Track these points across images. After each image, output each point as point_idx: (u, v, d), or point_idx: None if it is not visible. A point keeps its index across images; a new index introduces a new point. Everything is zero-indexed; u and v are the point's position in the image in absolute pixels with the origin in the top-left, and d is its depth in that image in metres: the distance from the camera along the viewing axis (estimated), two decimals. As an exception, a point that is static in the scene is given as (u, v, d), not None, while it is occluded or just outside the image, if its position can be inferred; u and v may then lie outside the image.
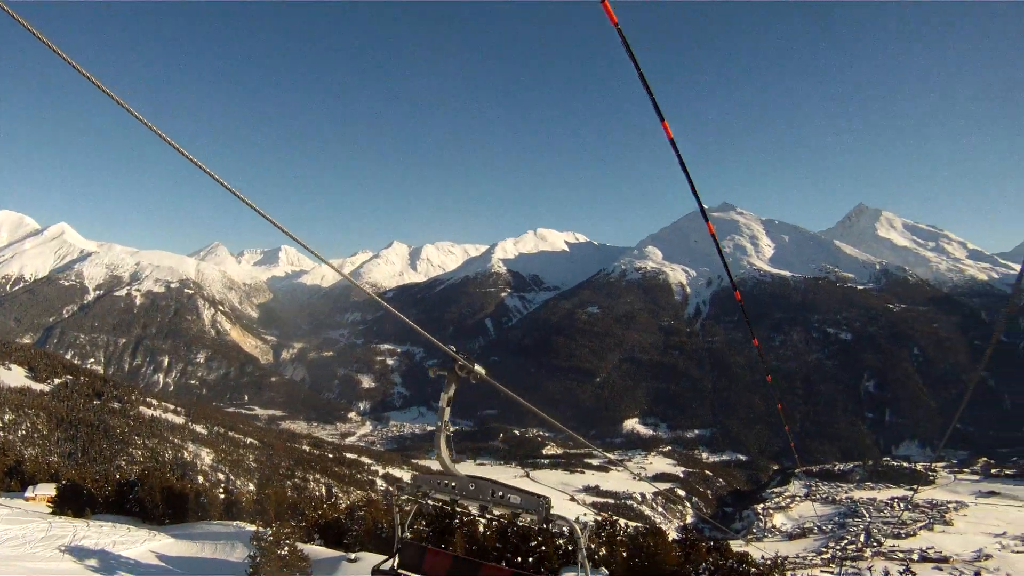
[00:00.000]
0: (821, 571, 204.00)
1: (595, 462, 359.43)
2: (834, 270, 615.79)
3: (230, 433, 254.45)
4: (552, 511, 13.04)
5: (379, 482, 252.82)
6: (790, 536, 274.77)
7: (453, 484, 13.33)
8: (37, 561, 37.23)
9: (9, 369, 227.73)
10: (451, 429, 13.18)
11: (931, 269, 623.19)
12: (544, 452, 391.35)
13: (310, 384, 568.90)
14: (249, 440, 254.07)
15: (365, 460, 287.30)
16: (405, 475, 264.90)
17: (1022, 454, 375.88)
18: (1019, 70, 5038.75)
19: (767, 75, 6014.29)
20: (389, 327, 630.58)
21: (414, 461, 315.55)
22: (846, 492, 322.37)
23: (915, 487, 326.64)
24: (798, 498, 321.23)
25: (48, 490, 68.71)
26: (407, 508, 16.12)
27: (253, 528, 44.01)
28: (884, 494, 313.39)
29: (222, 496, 69.68)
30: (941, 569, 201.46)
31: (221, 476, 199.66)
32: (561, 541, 49.28)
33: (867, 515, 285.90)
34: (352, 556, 43.30)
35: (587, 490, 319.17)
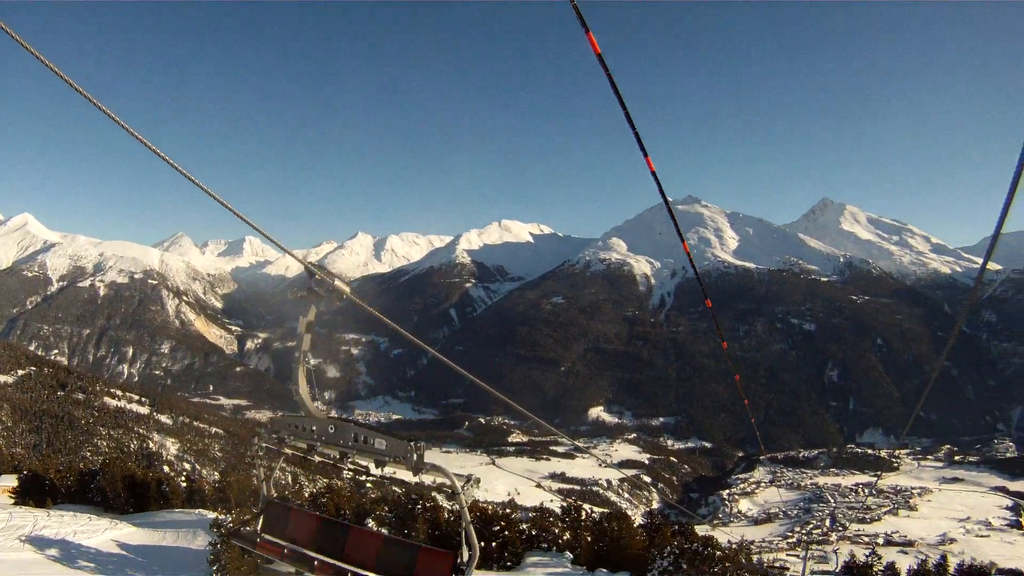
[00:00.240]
0: (787, 555, 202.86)
1: (561, 449, 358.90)
2: (798, 262, 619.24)
3: (195, 423, 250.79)
4: (426, 459, 11.19)
5: (346, 471, 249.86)
6: (756, 521, 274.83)
7: (313, 428, 12.16)
8: (-4, 551, 37.02)
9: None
10: (312, 361, 12.83)
11: (895, 262, 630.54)
12: (510, 440, 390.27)
13: (275, 374, 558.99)
14: (214, 430, 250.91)
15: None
16: (371, 464, 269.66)
17: (984, 441, 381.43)
18: (982, 66, 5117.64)
19: (733, 70, 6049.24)
20: (354, 317, 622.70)
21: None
22: (811, 478, 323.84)
23: (879, 473, 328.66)
24: (763, 484, 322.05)
25: (9, 481, 66.09)
26: (272, 463, 15.24)
27: (214, 516, 42.70)
28: (849, 480, 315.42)
29: (184, 484, 67.55)
30: (906, 553, 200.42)
31: (187, 466, 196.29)
32: (525, 526, 50.63)
33: (832, 500, 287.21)
34: None
35: (553, 477, 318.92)
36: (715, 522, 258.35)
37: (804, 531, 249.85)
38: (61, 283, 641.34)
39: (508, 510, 54.33)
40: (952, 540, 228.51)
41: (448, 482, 11.18)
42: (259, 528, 14.11)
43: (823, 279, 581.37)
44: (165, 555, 41.85)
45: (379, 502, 54.59)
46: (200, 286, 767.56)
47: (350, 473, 12.88)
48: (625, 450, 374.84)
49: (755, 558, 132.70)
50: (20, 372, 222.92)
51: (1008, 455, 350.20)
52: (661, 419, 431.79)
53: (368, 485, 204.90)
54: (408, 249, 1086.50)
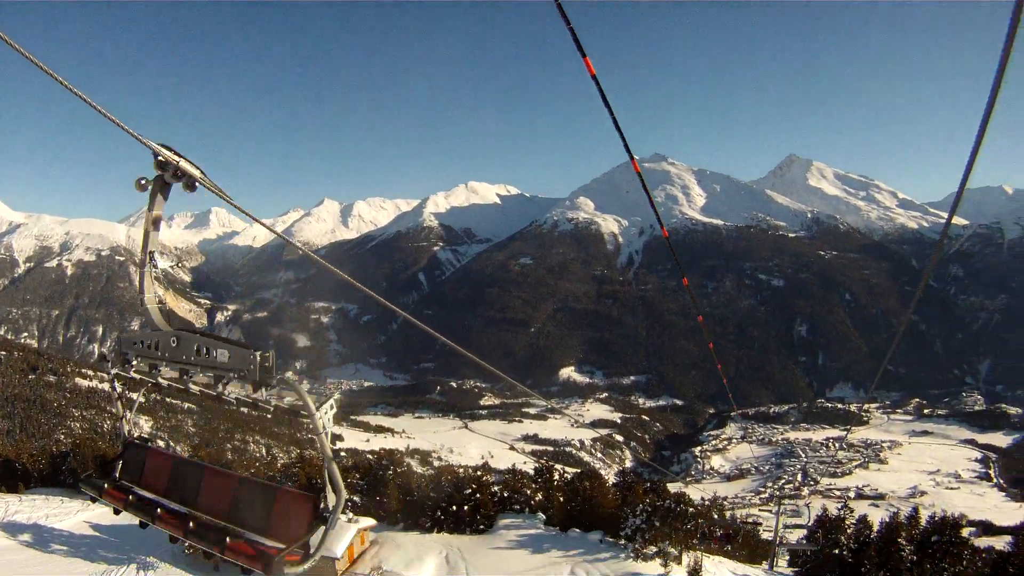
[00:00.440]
0: (760, 510, 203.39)
1: (533, 411, 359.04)
2: (766, 219, 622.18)
3: (168, 399, 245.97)
4: (276, 372, 9.31)
5: (192, 390, 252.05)
6: (728, 477, 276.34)
7: (157, 342, 10.31)
8: (-33, 540, 36.28)
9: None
10: (162, 265, 10.96)
11: (862, 218, 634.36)
12: (482, 403, 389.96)
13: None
14: (187, 405, 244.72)
15: (304, 419, 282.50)
16: (345, 431, 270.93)
17: (953, 395, 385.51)
18: (948, 24, 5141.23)
19: (700, 27, 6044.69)
20: (322, 285, 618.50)
21: (352, 417, 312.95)
22: (782, 433, 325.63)
23: (849, 427, 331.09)
24: (735, 440, 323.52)
25: (-19, 468, 66.96)
26: (131, 394, 13.86)
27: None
28: (819, 434, 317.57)
29: None
30: (877, 506, 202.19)
31: (161, 443, 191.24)
32: (497, 488, 50.49)
33: (803, 455, 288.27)
34: None
35: (526, 439, 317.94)
36: (688, 479, 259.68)
37: (776, 486, 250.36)
38: (28, 264, 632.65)
39: (479, 473, 53.78)
40: (923, 493, 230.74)
41: (303, 403, 9.19)
42: (117, 473, 12.73)
43: (791, 235, 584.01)
44: (137, 533, 39.78)
45: (350, 470, 52.72)
46: (168, 260, 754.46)
47: (198, 393, 10.15)
48: (597, 410, 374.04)
49: (728, 514, 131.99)
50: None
51: (976, 408, 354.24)
52: (632, 378, 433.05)
53: (343, 454, 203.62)
54: (375, 214, 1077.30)
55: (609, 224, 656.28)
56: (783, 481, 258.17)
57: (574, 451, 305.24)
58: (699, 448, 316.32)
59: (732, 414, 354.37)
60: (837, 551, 49.97)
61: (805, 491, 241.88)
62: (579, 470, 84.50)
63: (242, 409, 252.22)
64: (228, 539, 10.25)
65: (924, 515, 55.95)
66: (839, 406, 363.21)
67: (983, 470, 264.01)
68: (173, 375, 10.21)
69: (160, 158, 8.04)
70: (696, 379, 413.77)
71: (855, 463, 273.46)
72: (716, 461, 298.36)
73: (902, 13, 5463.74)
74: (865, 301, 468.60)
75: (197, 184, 8.40)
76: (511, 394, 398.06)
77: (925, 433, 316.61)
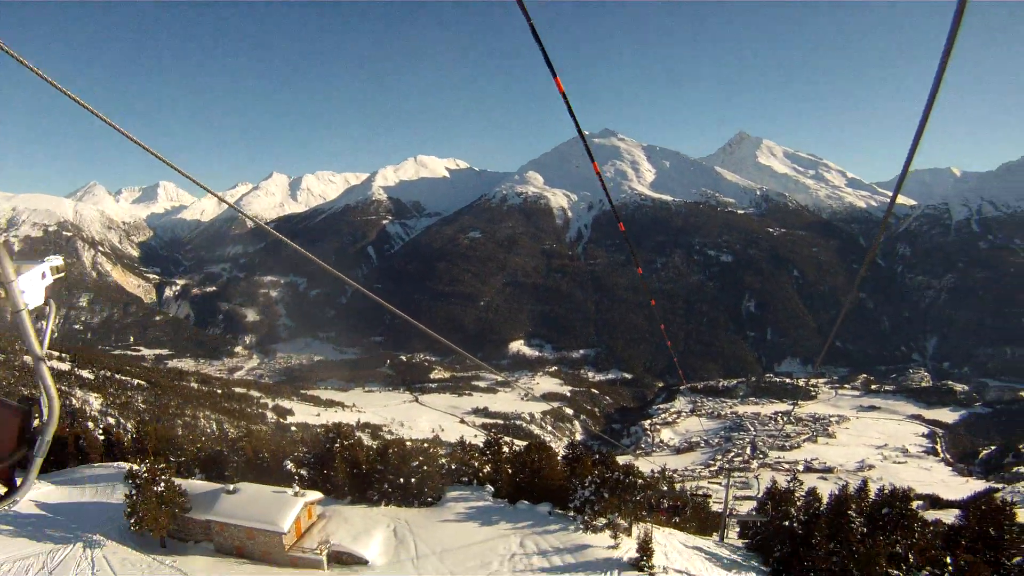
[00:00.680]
0: (709, 483, 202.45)
1: (483, 384, 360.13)
2: (715, 195, 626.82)
3: (117, 376, 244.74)
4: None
5: (269, 414, 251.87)
6: (678, 450, 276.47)
7: None
8: (-88, 522, 35.68)
9: None
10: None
11: (811, 196, 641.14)
12: (432, 376, 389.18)
13: (195, 321, 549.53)
14: (137, 382, 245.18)
15: (254, 394, 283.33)
16: (295, 406, 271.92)
17: (900, 371, 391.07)
18: (898, 10, 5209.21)
19: (649, 5, 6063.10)
20: (272, 259, 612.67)
21: (303, 392, 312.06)
22: (731, 407, 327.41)
23: (796, 401, 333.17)
24: (684, 414, 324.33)
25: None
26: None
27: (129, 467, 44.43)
28: (768, 408, 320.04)
29: (101, 438, 69.86)
30: (826, 479, 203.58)
31: (111, 420, 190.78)
32: (444, 461, 51.53)
33: (752, 429, 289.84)
34: (231, 488, 43.07)
35: (476, 412, 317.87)
36: (638, 452, 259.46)
37: (726, 459, 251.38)
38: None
39: (426, 445, 57.69)
40: (870, 466, 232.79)
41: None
42: None
43: (740, 211, 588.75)
44: (84, 512, 44.50)
45: (297, 443, 57.88)
46: (116, 235, 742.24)
47: None
48: (547, 383, 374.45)
49: (678, 486, 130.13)
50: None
51: (923, 384, 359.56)
52: (581, 351, 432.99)
53: (293, 428, 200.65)
54: (324, 188, 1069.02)
55: (558, 198, 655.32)
56: (732, 454, 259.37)
57: (524, 424, 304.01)
58: (649, 421, 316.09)
59: (681, 388, 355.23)
60: (788, 523, 51.78)
61: (754, 464, 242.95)
62: (528, 443, 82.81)
63: (193, 384, 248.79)
64: None
65: (873, 488, 56.97)
66: (787, 381, 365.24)
67: (930, 445, 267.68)
68: None
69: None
70: (645, 353, 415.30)
71: (804, 437, 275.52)
72: (666, 434, 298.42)
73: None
74: (813, 278, 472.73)
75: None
76: (461, 368, 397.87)
77: (873, 408, 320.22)
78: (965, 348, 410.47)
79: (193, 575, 37.54)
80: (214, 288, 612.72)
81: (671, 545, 46.60)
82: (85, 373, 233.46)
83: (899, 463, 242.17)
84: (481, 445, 57.41)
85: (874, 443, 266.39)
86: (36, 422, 5.82)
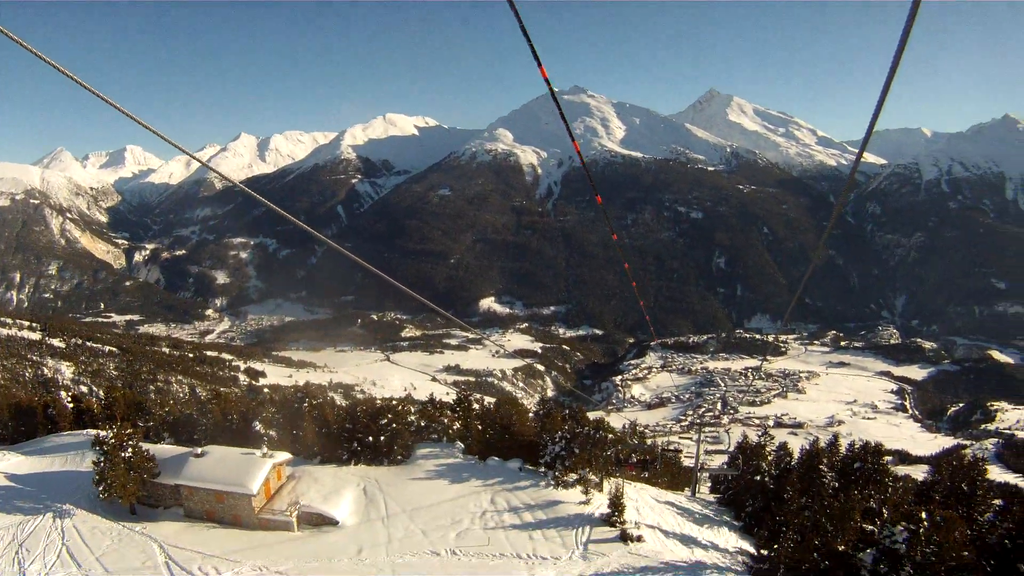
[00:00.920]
0: (680, 438, 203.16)
1: (454, 342, 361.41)
2: (685, 152, 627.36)
3: (88, 343, 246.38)
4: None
5: (242, 377, 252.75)
6: (649, 406, 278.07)
7: None
8: None
9: None
10: None
11: (781, 153, 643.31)
12: (403, 335, 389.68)
13: (165, 285, 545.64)
14: (108, 348, 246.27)
15: (226, 356, 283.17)
16: (268, 368, 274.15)
17: (869, 328, 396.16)
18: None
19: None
20: (241, 221, 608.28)
21: (275, 353, 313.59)
22: (701, 363, 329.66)
23: (766, 357, 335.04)
24: (655, 369, 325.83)
25: None
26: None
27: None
28: (738, 364, 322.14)
29: (71, 405, 68.88)
30: (796, 434, 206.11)
31: (84, 388, 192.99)
32: (413, 418, 51.09)
33: (723, 384, 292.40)
34: (199, 451, 43.10)
35: (448, 369, 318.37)
36: (609, 408, 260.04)
37: (696, 414, 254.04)
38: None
39: (395, 402, 56.37)
40: (840, 422, 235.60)
41: None
42: None
43: (710, 168, 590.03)
44: (54, 481, 44.78)
45: (266, 404, 53.93)
46: (84, 201, 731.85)
47: None
48: (518, 340, 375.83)
49: (649, 441, 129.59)
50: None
51: (892, 341, 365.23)
52: (552, 308, 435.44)
53: (265, 391, 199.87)
54: (293, 148, 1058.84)
55: (528, 156, 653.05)
56: (703, 409, 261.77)
57: (496, 381, 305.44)
58: (620, 377, 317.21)
59: (652, 344, 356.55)
60: (759, 477, 52.63)
61: (725, 419, 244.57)
62: (498, 399, 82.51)
63: (164, 349, 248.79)
64: None
65: (843, 444, 58.92)
66: (757, 337, 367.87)
67: (899, 401, 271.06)
68: None
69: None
70: (616, 309, 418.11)
71: (774, 392, 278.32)
72: (637, 390, 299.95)
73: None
74: (783, 235, 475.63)
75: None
76: (432, 326, 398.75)
77: (842, 364, 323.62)
78: (934, 306, 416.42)
79: (163, 541, 36.87)
80: (183, 252, 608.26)
81: (643, 500, 46.65)
82: (56, 342, 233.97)
83: (868, 419, 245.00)
84: (452, 402, 57.09)
85: (843, 399, 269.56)
86: None
